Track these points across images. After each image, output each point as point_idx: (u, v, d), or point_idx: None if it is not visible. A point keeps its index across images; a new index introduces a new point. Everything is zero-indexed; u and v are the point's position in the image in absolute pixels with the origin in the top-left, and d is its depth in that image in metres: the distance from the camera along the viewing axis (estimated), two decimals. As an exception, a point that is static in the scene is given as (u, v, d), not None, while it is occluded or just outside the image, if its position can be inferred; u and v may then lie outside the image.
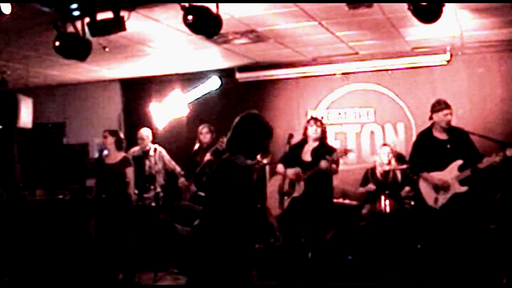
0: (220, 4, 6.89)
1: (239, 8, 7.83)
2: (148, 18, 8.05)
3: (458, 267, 7.99)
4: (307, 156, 8.80)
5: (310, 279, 8.52)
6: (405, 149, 10.95)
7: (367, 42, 10.19)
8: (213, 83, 12.36)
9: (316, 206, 8.56)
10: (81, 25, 7.42)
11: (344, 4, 6.89)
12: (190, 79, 12.63)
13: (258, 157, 6.00)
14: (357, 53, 11.14)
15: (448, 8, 6.95)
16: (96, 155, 10.55)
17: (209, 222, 4.89)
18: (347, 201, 10.59)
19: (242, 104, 11.36)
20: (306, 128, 8.96)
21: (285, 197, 8.63)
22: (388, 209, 9.39)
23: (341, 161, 9.20)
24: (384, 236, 9.26)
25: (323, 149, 8.70)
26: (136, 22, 7.78)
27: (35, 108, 10.80)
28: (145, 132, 11.26)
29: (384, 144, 10.44)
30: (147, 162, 11.07)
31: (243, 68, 12.26)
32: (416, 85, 11.24)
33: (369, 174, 10.21)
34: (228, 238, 4.81)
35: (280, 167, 8.81)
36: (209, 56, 11.06)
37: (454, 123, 8.33)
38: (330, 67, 11.68)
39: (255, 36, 9.50)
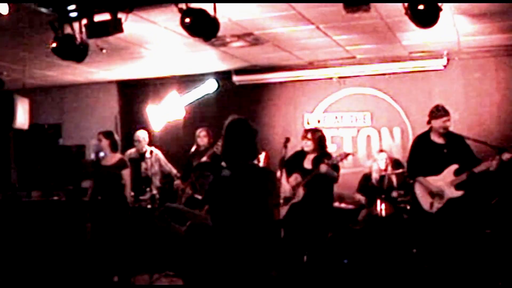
0: (217, 7, 6.90)
1: (237, 11, 7.84)
2: (145, 20, 8.06)
3: (454, 271, 7.99)
4: (308, 164, 8.84)
5: (306, 283, 8.52)
6: (401, 154, 10.96)
7: (364, 46, 10.21)
8: (210, 86, 12.38)
9: (315, 212, 8.57)
10: (78, 27, 7.42)
11: (341, 8, 6.89)
12: (187, 81, 12.65)
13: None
14: (354, 57, 11.15)
15: (445, 13, 6.95)
16: (93, 156, 10.52)
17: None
18: (343, 205, 10.56)
19: (239, 107, 11.37)
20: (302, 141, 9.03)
21: (285, 203, 8.67)
22: (384, 213, 9.39)
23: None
24: (380, 240, 9.25)
25: (324, 157, 8.72)
26: (133, 24, 7.78)
27: (32, 109, 10.79)
28: (141, 134, 11.26)
29: (381, 150, 10.43)
30: (143, 164, 11.08)
31: (240, 71, 12.27)
32: (413, 89, 11.25)
33: (366, 180, 10.21)
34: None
35: (278, 174, 8.81)
36: (206, 59, 11.07)
37: (450, 127, 8.34)
38: (327, 70, 11.70)
39: (253, 39, 9.51)
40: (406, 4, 6.67)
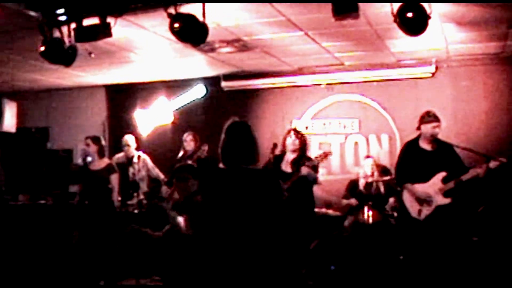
0: (206, 12, 6.89)
1: (226, 16, 7.84)
2: (134, 25, 8.04)
3: (441, 279, 7.99)
4: (286, 167, 8.74)
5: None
6: (389, 161, 10.98)
7: (353, 53, 10.23)
8: (199, 91, 12.38)
9: (297, 216, 8.53)
10: (67, 31, 7.41)
11: (330, 14, 6.89)
12: (176, 86, 12.64)
13: None
14: (342, 64, 11.17)
15: (433, 21, 6.98)
16: (80, 161, 10.49)
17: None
18: (330, 212, 10.57)
19: (227, 113, 11.31)
20: (285, 139, 8.91)
21: None
22: (371, 220, 9.39)
23: (323, 170, 9.15)
24: (367, 247, 9.25)
25: (302, 159, 8.65)
26: (122, 28, 7.78)
27: (19, 113, 10.77)
28: (129, 139, 11.23)
29: (368, 156, 10.42)
30: (131, 169, 11.06)
31: (228, 77, 12.28)
32: (401, 96, 11.28)
33: (353, 186, 10.20)
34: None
35: None
36: (195, 64, 11.07)
37: (438, 135, 8.34)
38: (316, 77, 11.72)
39: (241, 45, 9.51)
40: (395, 11, 6.69)
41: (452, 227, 8.13)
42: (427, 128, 8.21)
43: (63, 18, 7.21)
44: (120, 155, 11.28)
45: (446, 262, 8.01)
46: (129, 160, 11.15)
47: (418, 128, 8.37)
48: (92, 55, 8.79)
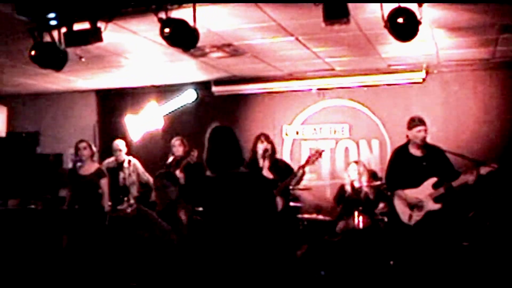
0: (197, 17, 6.88)
1: (217, 21, 7.83)
2: (125, 29, 8.03)
3: (431, 284, 8.00)
4: (267, 173, 8.76)
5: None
6: (379, 166, 10.99)
7: (344, 58, 10.23)
8: (189, 96, 12.37)
9: (282, 225, 8.53)
10: (57, 35, 7.39)
11: (321, 20, 6.88)
12: (166, 91, 12.63)
13: None
14: (333, 69, 11.18)
15: (424, 26, 6.98)
16: (70, 165, 10.47)
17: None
18: (320, 217, 10.58)
19: (218, 118, 11.30)
20: (255, 145, 8.96)
21: None
22: (361, 225, 9.39)
23: (313, 175, 9.15)
24: (357, 252, 9.26)
25: (279, 163, 8.72)
26: (113, 33, 7.76)
27: (10, 117, 10.73)
28: (120, 144, 11.22)
29: (355, 162, 10.36)
30: (121, 174, 11.04)
31: (219, 82, 12.27)
32: (392, 102, 11.30)
33: (342, 191, 10.19)
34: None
35: None
36: (186, 69, 11.06)
37: (428, 140, 8.34)
38: (306, 82, 11.73)
39: (232, 50, 9.50)
40: (385, 17, 6.69)
41: (443, 232, 8.13)
42: (413, 133, 8.20)
43: (53, 22, 7.18)
44: (111, 159, 11.27)
45: (437, 267, 8.01)
46: (119, 165, 11.13)
47: (407, 135, 8.37)
48: (83, 60, 8.77)
